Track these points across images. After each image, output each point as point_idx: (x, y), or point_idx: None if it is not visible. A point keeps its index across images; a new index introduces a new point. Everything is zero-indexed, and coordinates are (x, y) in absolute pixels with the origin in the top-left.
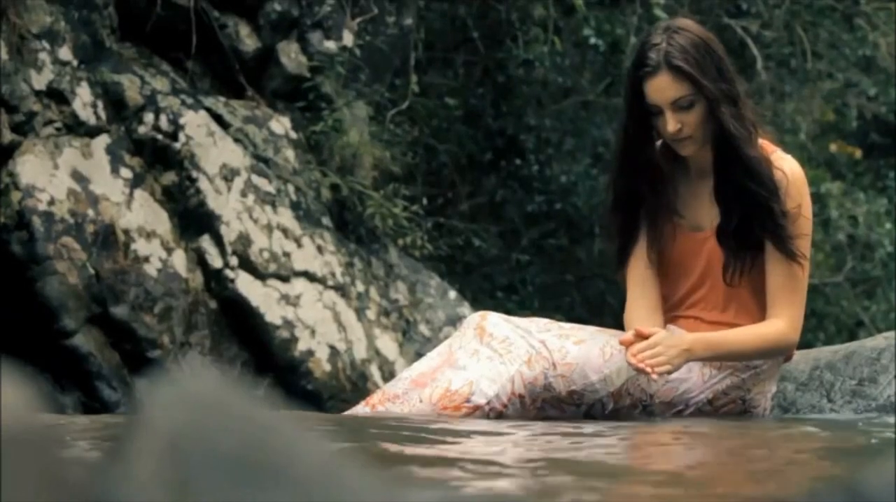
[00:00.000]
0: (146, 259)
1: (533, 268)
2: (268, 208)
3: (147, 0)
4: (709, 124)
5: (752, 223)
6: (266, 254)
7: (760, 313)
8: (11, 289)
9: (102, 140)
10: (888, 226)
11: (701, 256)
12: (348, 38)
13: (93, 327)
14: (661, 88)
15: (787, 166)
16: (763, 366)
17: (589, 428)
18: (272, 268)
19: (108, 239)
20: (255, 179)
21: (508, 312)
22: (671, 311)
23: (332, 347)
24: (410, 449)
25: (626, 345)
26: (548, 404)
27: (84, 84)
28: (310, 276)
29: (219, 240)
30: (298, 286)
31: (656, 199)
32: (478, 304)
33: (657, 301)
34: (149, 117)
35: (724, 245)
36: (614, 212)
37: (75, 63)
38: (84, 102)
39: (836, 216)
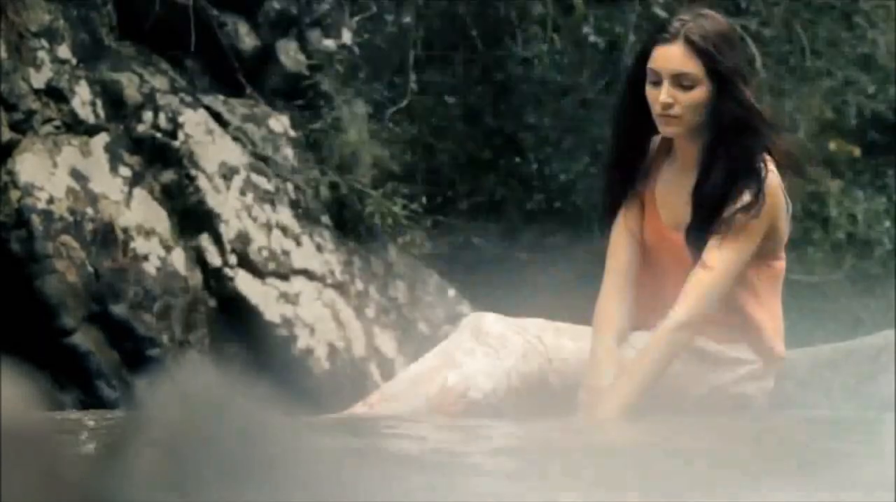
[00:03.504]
0: (145, 257)
1: (532, 266)
2: (267, 206)
3: None
4: (702, 114)
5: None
6: (265, 253)
7: (736, 316)
8: (10, 288)
9: (101, 138)
10: (887, 223)
11: (680, 256)
12: (347, 37)
13: (92, 325)
14: (669, 58)
15: (766, 181)
16: (758, 362)
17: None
18: (271, 266)
19: (107, 237)
20: (254, 178)
21: (508, 311)
22: (653, 312)
23: (332, 345)
24: (408, 447)
25: None
26: (544, 399)
27: (83, 82)
28: (309, 275)
29: (218, 239)
30: (297, 284)
31: (643, 182)
32: (477, 303)
33: (628, 294)
34: (148, 115)
35: (691, 246)
36: (610, 169)
37: (74, 61)
38: (83, 101)
39: (836, 214)
